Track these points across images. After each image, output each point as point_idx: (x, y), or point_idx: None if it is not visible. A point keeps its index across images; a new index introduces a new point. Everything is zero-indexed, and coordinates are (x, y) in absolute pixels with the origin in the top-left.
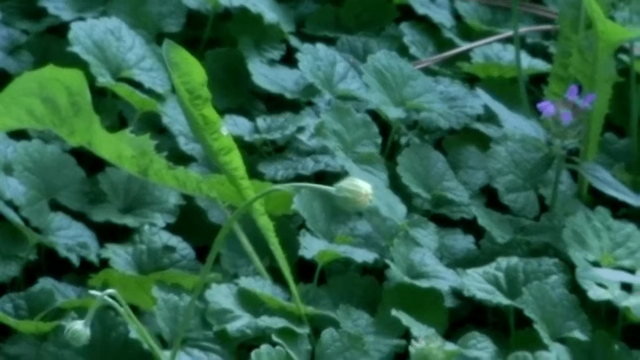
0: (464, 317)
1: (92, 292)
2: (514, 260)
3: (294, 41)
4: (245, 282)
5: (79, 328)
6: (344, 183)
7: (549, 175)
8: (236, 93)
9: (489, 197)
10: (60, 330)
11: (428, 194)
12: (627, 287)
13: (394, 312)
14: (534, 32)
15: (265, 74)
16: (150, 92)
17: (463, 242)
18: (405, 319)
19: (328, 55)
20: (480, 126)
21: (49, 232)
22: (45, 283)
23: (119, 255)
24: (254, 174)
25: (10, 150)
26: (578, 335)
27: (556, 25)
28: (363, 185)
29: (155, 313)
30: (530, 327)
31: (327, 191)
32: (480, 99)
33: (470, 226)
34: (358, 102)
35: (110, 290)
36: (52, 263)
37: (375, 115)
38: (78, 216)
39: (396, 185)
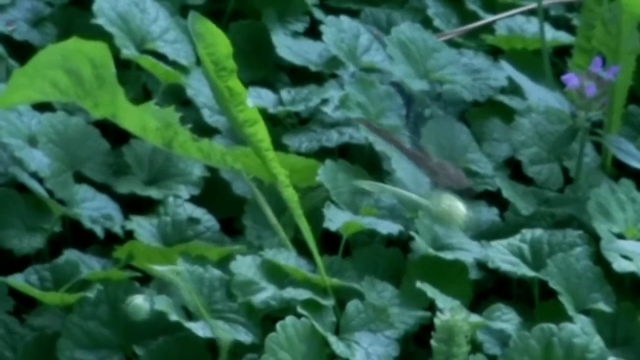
0: (488, 289)
1: (156, 267)
2: (539, 232)
3: (318, 13)
4: (270, 253)
5: (139, 302)
6: (443, 201)
7: (573, 148)
8: (260, 65)
9: (513, 169)
10: (85, 301)
11: None
12: None
13: (419, 284)
14: (558, 4)
15: (289, 46)
16: (174, 64)
17: (487, 214)
18: (430, 291)
19: (352, 28)
20: (504, 98)
21: (73, 204)
22: (70, 255)
23: (143, 227)
24: (278, 145)
25: (35, 122)
26: (602, 307)
27: None
28: (461, 207)
29: (180, 285)
30: (555, 299)
31: (422, 205)
32: (504, 71)
33: (494, 198)
34: (382, 74)
35: (177, 267)
36: (77, 235)
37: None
38: (102, 188)
39: None
